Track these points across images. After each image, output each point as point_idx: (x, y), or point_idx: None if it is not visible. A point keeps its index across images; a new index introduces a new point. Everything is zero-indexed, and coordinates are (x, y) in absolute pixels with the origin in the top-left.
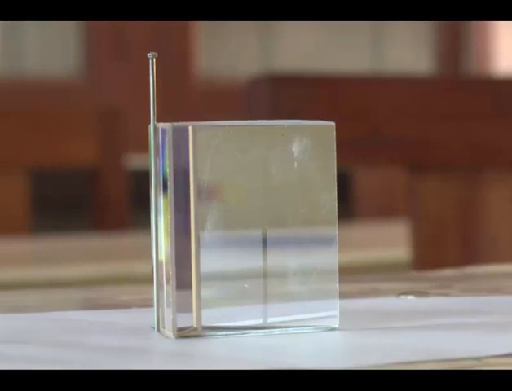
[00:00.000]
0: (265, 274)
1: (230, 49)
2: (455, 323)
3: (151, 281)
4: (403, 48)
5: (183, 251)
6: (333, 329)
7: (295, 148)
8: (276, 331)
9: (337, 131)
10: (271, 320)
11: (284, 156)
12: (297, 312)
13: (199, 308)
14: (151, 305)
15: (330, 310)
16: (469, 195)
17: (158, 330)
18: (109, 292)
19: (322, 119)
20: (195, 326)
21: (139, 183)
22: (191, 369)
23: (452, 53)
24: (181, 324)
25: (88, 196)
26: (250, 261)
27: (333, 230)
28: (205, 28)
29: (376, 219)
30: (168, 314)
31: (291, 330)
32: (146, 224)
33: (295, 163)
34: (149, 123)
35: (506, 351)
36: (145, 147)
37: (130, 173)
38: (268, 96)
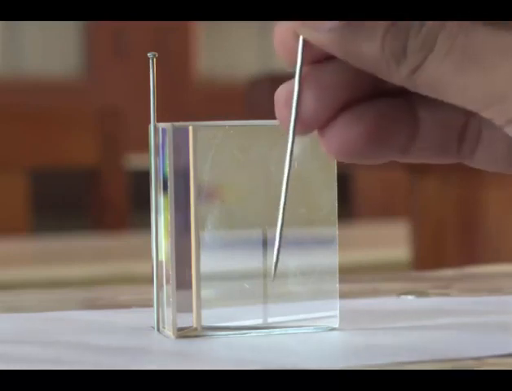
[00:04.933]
0: (265, 275)
1: (230, 49)
2: (455, 323)
3: (151, 281)
4: None
5: (183, 251)
6: (333, 329)
7: (295, 148)
8: (276, 331)
9: None
10: (271, 320)
11: (284, 156)
12: (297, 312)
13: (199, 308)
14: (151, 305)
15: (330, 310)
16: (469, 195)
17: (158, 330)
18: (109, 292)
19: None
20: (195, 326)
21: (139, 183)
22: (191, 369)
23: None
24: (181, 324)
25: (88, 196)
26: (250, 261)
27: (333, 230)
28: (205, 28)
29: (376, 219)
30: (168, 314)
31: (291, 330)
32: (146, 224)
33: (295, 163)
34: (149, 123)
35: (506, 351)
36: (145, 147)
37: (130, 173)
38: (268, 96)
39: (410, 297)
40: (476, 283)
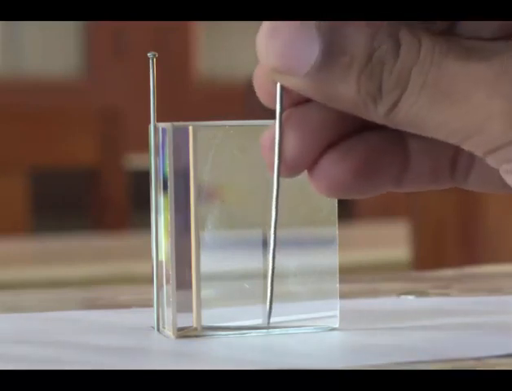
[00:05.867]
0: (265, 275)
1: (230, 49)
2: (455, 323)
3: (151, 281)
4: None
5: (183, 251)
6: (333, 329)
7: None
8: (276, 331)
9: None
10: (271, 320)
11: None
12: (298, 312)
13: (199, 308)
14: (151, 305)
15: (330, 310)
16: (469, 195)
17: (158, 330)
18: (109, 292)
19: None
20: (195, 326)
21: (139, 183)
22: (191, 369)
23: None
24: (181, 324)
25: (88, 196)
26: (250, 261)
27: (333, 231)
28: (205, 28)
29: (376, 219)
30: (168, 314)
31: (291, 330)
32: (146, 224)
33: None
34: (149, 123)
35: (506, 351)
36: (145, 147)
37: (130, 173)
38: None
39: (410, 297)
40: (476, 283)
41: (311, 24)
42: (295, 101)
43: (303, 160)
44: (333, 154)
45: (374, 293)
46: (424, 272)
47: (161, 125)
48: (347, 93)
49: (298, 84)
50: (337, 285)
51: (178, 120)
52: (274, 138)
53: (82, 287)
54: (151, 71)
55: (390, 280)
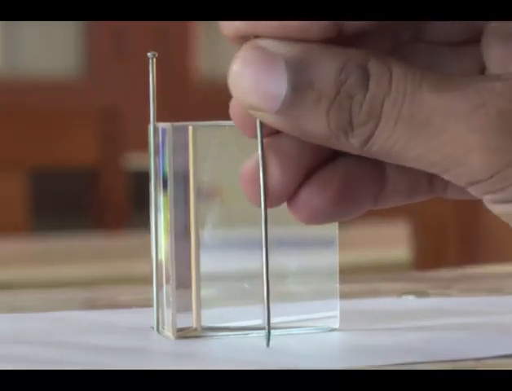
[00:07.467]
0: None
1: (230, 49)
2: (455, 323)
3: (150, 281)
4: None
5: (182, 251)
6: (333, 330)
7: None
8: (276, 331)
9: None
10: (271, 320)
11: None
12: (298, 312)
13: (199, 308)
14: (151, 306)
15: (330, 311)
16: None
17: (158, 330)
18: (109, 292)
19: None
20: (195, 326)
21: (139, 183)
22: (191, 369)
23: None
24: (181, 324)
25: (88, 196)
26: (250, 261)
27: (333, 231)
28: (205, 28)
29: (376, 219)
30: (168, 314)
31: (291, 330)
32: (146, 224)
33: None
34: (149, 123)
35: (506, 352)
36: (145, 147)
37: (130, 173)
38: None
39: (410, 297)
40: (476, 283)
41: (280, 58)
42: (272, 130)
43: (284, 191)
44: (311, 184)
45: (374, 293)
46: (424, 272)
47: (161, 124)
48: (318, 127)
49: (271, 120)
50: (337, 285)
51: (177, 120)
52: (253, 170)
53: (82, 287)
54: (150, 71)
55: (390, 280)
